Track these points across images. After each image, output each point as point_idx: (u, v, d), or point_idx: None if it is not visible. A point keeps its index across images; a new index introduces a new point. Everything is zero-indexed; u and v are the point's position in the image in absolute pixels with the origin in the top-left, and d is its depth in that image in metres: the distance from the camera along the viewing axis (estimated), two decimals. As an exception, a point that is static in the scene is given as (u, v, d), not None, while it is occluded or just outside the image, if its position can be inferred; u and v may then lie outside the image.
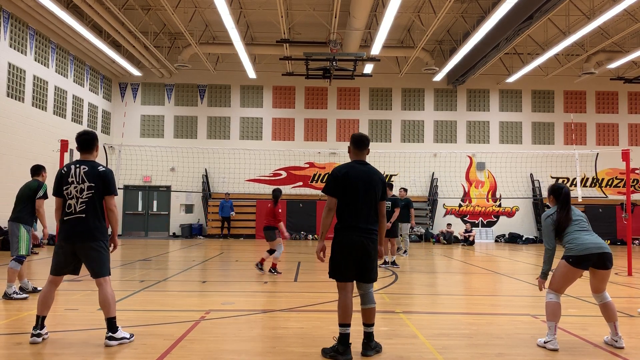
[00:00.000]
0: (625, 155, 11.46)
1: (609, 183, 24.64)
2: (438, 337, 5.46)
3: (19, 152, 16.83)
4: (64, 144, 11.63)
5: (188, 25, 18.60)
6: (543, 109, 25.05)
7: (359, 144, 5.07)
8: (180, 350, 4.83)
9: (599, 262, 5.19)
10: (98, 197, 5.10)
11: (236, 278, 10.34)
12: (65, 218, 5.08)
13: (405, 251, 15.25)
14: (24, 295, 7.46)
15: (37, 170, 8.05)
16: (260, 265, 10.40)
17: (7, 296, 7.30)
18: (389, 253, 12.15)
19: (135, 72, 23.04)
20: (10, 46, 16.59)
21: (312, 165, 24.11)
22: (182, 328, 5.65)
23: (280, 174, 24.01)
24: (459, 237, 22.30)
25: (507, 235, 24.09)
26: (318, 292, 8.65)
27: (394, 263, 12.11)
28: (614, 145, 24.62)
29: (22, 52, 17.20)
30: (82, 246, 5.04)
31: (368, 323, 4.78)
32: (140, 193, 24.19)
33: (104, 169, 5.16)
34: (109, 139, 23.39)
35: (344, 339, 4.60)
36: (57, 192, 5.12)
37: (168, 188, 23.94)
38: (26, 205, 7.65)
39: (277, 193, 10.71)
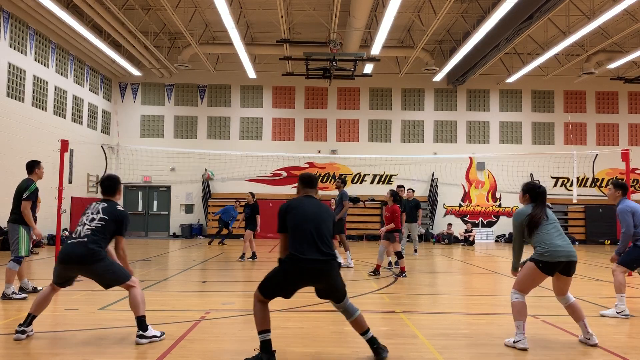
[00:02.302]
0: (625, 156, 11.47)
1: (609, 183, 24.61)
2: (438, 337, 5.46)
3: (19, 152, 16.82)
4: (64, 144, 11.63)
5: (188, 25, 18.60)
6: (543, 109, 25.05)
7: (306, 182, 4.94)
8: (180, 350, 4.83)
9: (565, 269, 5.19)
10: (107, 230, 5.26)
11: (236, 278, 10.34)
12: (68, 241, 5.26)
13: (415, 250, 15.81)
14: (23, 295, 7.47)
15: (32, 167, 7.88)
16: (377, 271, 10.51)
17: (5, 297, 7.32)
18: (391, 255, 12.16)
19: (135, 72, 23.04)
20: (10, 46, 16.59)
21: (312, 165, 24.10)
22: (182, 328, 5.65)
23: (280, 174, 24.01)
24: (459, 237, 22.31)
25: (507, 235, 24.07)
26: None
27: (396, 264, 12.02)
28: (614, 145, 24.62)
29: (22, 52, 17.20)
30: (84, 268, 5.19)
31: (363, 332, 4.77)
32: (140, 193, 24.20)
33: (121, 209, 5.44)
34: (109, 139, 23.40)
35: (266, 346, 4.50)
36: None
37: (168, 188, 23.95)
38: (18, 206, 7.50)
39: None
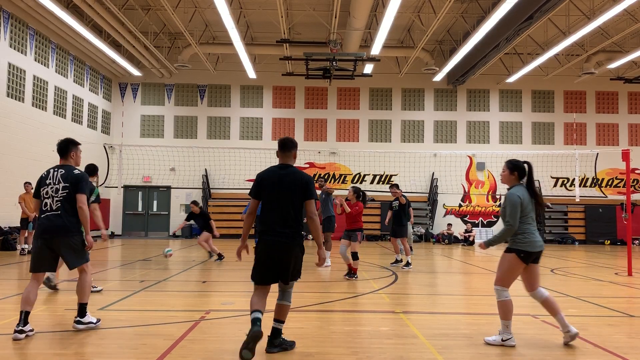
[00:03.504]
0: (625, 155, 11.46)
1: (609, 183, 24.64)
2: (438, 337, 5.46)
3: (19, 152, 16.83)
4: (64, 144, 11.62)
5: (188, 25, 18.60)
6: (543, 109, 25.06)
7: (282, 146, 5.13)
8: (180, 350, 4.83)
9: (537, 258, 5.24)
10: (72, 197, 5.48)
11: (236, 278, 10.34)
12: (42, 215, 5.45)
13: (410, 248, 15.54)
14: (98, 288, 7.91)
15: (93, 171, 8.02)
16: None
17: (50, 286, 7.77)
18: (401, 252, 12.13)
19: (135, 72, 23.04)
20: (10, 46, 16.59)
21: (312, 165, 24.10)
22: (182, 328, 5.65)
23: (280, 174, 23.98)
24: (459, 237, 22.31)
25: (507, 235, 24.07)
26: (318, 292, 8.65)
27: (407, 264, 11.79)
28: (614, 145, 24.62)
29: (22, 52, 17.20)
30: (58, 240, 5.37)
31: (278, 319, 4.90)
32: (140, 193, 24.20)
33: (78, 172, 5.61)
34: (109, 139, 23.40)
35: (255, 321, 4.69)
36: (37, 194, 5.58)
37: (168, 188, 23.94)
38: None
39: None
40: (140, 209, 24.17)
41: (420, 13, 18.39)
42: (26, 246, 14.21)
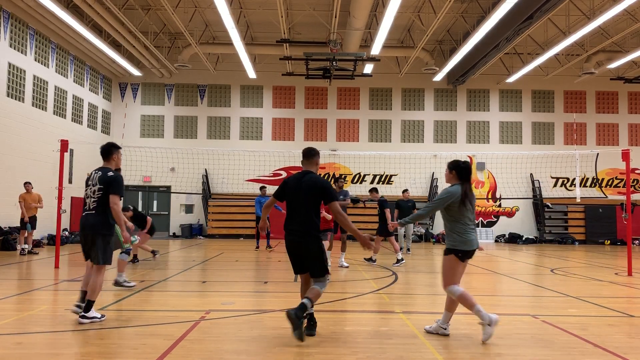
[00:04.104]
0: (625, 155, 11.46)
1: (609, 183, 24.64)
2: (438, 337, 5.46)
3: (19, 152, 16.83)
4: (64, 144, 11.62)
5: (188, 25, 18.60)
6: (543, 109, 25.06)
7: (306, 155, 5.76)
8: (180, 350, 4.83)
9: (470, 256, 5.48)
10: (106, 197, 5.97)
11: (236, 278, 10.34)
12: (83, 213, 6.10)
13: (408, 249, 15.89)
14: (132, 284, 8.23)
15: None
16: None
17: (117, 284, 8.13)
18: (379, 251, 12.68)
19: (135, 72, 23.04)
20: (10, 46, 16.59)
21: (312, 165, 24.06)
22: (182, 328, 5.65)
23: (280, 174, 24.00)
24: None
25: (507, 235, 24.09)
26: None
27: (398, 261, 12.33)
28: (614, 145, 24.62)
29: (22, 52, 17.20)
30: (91, 235, 5.97)
31: (307, 296, 5.25)
32: (140, 193, 24.19)
33: (112, 174, 6.04)
34: (109, 139, 23.37)
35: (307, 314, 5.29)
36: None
37: (168, 188, 23.94)
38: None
39: None
40: (140, 209, 24.14)
41: (420, 13, 18.38)
42: (26, 246, 14.20)
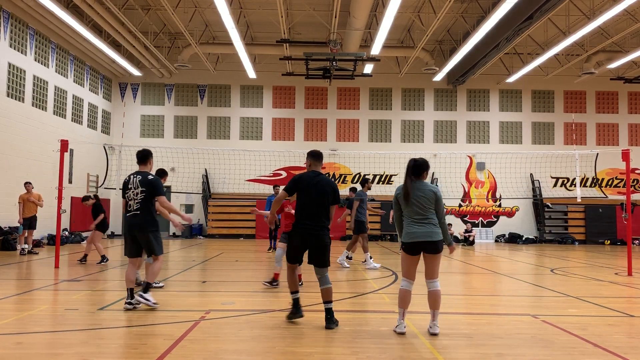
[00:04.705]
0: (625, 155, 11.46)
1: (609, 183, 24.64)
2: (438, 337, 5.46)
3: (19, 152, 16.83)
4: (64, 144, 11.61)
5: (188, 25, 18.60)
6: (543, 109, 25.06)
7: (317, 157, 6.18)
8: (180, 350, 4.83)
9: (429, 249, 5.49)
10: (149, 198, 6.70)
11: (236, 278, 10.34)
12: (127, 214, 6.74)
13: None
14: (161, 284, 8.47)
15: (162, 174, 8.74)
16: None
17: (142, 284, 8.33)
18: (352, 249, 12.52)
19: (135, 72, 23.04)
20: (10, 46, 16.59)
21: (312, 165, 24.08)
22: (182, 328, 5.65)
23: (280, 174, 24.00)
24: (459, 237, 22.31)
25: (507, 235, 24.09)
26: (318, 292, 8.64)
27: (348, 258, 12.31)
28: (614, 145, 24.62)
29: (22, 52, 17.20)
30: (139, 234, 6.70)
31: (326, 300, 5.80)
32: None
33: (152, 177, 6.77)
34: (109, 139, 23.40)
35: (295, 303, 5.98)
36: (123, 195, 6.87)
37: (168, 188, 23.93)
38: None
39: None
40: (140, 209, 24.13)
41: (420, 13, 18.38)
42: (26, 246, 14.19)
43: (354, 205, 12.11)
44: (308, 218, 5.84)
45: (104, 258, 11.78)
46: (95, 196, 12.52)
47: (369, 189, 12.80)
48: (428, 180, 5.90)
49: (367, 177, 12.21)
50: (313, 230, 5.81)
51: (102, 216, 11.98)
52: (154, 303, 6.53)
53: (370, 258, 12.03)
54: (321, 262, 5.86)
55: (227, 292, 8.55)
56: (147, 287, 6.62)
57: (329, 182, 6.03)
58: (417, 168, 5.60)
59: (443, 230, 5.56)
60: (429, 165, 5.69)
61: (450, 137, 24.85)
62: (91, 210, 12.26)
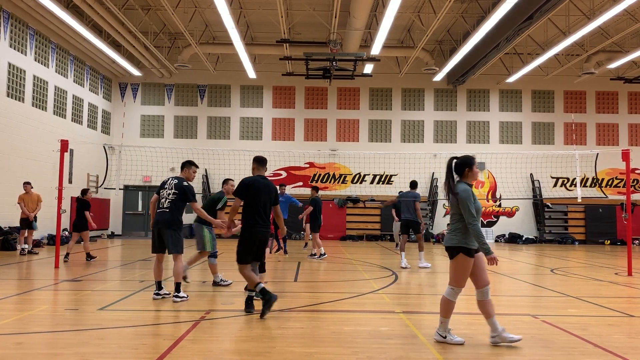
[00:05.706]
0: (625, 155, 11.46)
1: (609, 183, 24.64)
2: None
3: (19, 152, 16.83)
4: (64, 144, 11.61)
5: (188, 25, 18.59)
6: (543, 109, 25.05)
7: (262, 162, 6.84)
8: (180, 350, 4.83)
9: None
10: (179, 200, 7.39)
11: (236, 278, 10.33)
12: (158, 210, 7.39)
13: (397, 245, 16.37)
14: (229, 282, 8.87)
15: (225, 182, 9.34)
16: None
17: (215, 284, 8.79)
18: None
19: (135, 72, 23.04)
20: (10, 46, 16.59)
21: (312, 165, 24.11)
22: (182, 328, 5.65)
23: (280, 174, 24.01)
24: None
25: (507, 235, 24.09)
26: (318, 292, 8.66)
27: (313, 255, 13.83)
28: (614, 145, 24.62)
29: (22, 52, 17.20)
30: (163, 230, 7.29)
31: (251, 289, 6.46)
32: (140, 193, 24.19)
33: (186, 184, 7.48)
34: (109, 139, 23.40)
35: (263, 292, 6.28)
36: (157, 192, 7.58)
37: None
38: (208, 211, 8.48)
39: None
40: (140, 209, 24.16)
41: (420, 13, 18.38)
42: (26, 246, 14.19)
43: (416, 206, 12.22)
44: (261, 218, 6.51)
45: (90, 257, 12.44)
46: (86, 190, 12.93)
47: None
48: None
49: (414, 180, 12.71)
50: (265, 229, 6.54)
51: (90, 214, 12.49)
52: (186, 296, 7.27)
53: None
54: (262, 255, 6.72)
55: (227, 292, 8.55)
56: (177, 287, 7.19)
57: (273, 185, 6.79)
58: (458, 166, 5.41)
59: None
60: (469, 160, 5.40)
61: (450, 137, 24.85)
62: (76, 207, 12.58)
